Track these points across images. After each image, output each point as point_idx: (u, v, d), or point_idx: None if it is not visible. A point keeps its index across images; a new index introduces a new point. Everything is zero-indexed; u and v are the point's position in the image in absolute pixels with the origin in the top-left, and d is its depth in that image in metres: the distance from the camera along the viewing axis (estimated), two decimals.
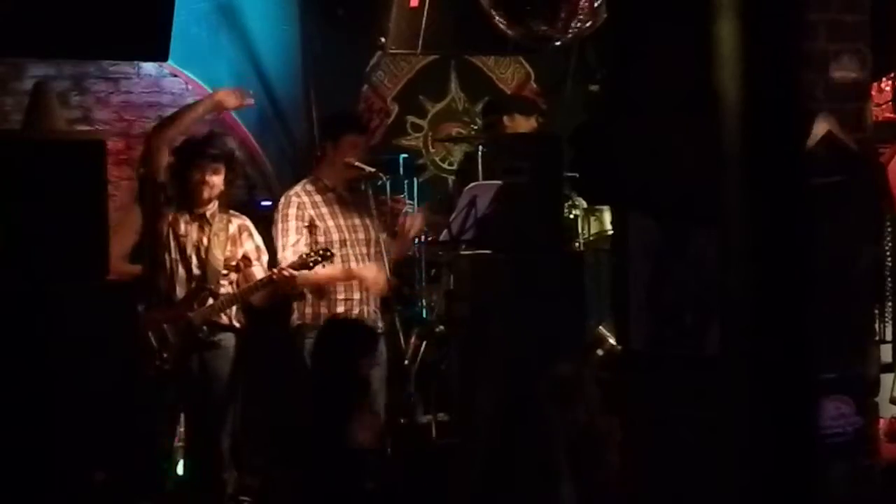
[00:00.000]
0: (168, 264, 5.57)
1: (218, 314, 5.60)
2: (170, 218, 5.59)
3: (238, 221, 5.76)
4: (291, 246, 5.79)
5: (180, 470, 5.85)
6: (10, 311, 5.00)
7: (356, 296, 5.87)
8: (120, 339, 5.22)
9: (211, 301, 5.57)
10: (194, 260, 5.58)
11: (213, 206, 5.65)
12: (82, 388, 5.05)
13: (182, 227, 5.60)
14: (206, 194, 5.59)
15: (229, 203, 5.82)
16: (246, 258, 5.70)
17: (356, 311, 5.86)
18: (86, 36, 5.22)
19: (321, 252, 5.63)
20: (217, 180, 5.60)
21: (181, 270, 5.58)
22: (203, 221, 5.63)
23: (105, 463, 5.31)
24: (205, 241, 5.59)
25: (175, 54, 5.79)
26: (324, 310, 5.82)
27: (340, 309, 5.83)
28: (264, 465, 6.37)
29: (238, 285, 5.70)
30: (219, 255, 5.60)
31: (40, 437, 4.99)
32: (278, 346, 6.09)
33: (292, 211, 5.85)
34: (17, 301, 5.02)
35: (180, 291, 5.57)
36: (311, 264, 5.60)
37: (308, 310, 5.85)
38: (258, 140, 6.86)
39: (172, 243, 5.57)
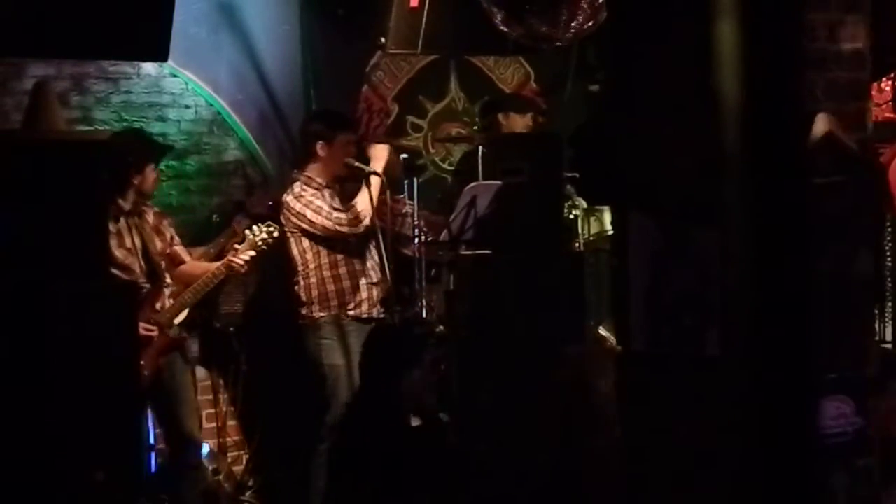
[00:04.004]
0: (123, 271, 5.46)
1: (183, 311, 5.57)
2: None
3: (152, 210, 5.73)
4: (335, 210, 5.80)
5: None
6: (11, 310, 5.00)
7: (363, 294, 5.86)
8: (120, 339, 5.22)
9: (171, 300, 5.56)
10: (138, 262, 5.48)
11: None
12: (82, 388, 5.05)
13: (124, 238, 5.49)
14: (154, 186, 5.66)
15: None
16: (173, 250, 5.69)
17: (364, 310, 5.86)
18: (86, 36, 5.21)
19: (268, 231, 5.62)
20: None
21: (135, 273, 5.47)
22: (140, 219, 5.57)
23: (105, 463, 5.31)
24: (143, 238, 5.53)
25: (175, 54, 5.79)
26: (333, 311, 5.81)
27: (351, 312, 5.82)
28: (265, 464, 6.38)
29: (174, 277, 5.66)
30: (153, 249, 5.55)
31: (40, 437, 4.99)
32: (279, 345, 6.09)
33: (308, 191, 5.82)
34: (18, 301, 5.02)
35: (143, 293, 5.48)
36: (260, 244, 5.59)
37: (314, 310, 5.84)
38: (258, 140, 6.85)
39: (120, 252, 5.46)
